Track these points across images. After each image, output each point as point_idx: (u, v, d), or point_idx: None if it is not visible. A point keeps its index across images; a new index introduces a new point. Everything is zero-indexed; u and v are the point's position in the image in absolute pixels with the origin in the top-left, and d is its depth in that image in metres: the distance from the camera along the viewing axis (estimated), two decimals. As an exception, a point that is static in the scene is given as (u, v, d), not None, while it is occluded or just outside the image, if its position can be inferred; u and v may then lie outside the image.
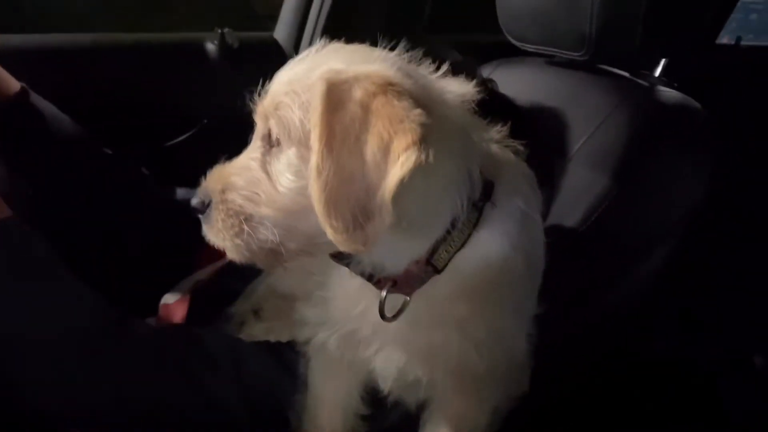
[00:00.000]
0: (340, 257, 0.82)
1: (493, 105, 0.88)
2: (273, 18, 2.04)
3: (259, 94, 0.81)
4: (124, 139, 1.64)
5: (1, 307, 0.95)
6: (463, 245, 0.80)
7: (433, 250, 0.79)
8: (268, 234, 0.75)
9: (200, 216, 0.81)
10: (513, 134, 0.91)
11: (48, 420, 1.02)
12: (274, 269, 0.82)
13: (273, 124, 0.76)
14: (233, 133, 1.71)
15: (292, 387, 1.11)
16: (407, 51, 0.81)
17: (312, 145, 0.69)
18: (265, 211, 0.76)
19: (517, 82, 1.52)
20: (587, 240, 1.19)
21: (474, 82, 0.82)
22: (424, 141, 0.66)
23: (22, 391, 0.98)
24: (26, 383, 0.98)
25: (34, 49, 1.59)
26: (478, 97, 0.81)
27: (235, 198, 0.78)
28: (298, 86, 0.75)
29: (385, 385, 0.97)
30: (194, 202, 0.81)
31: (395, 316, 0.83)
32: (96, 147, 1.41)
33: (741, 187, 1.91)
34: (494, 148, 0.87)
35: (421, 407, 1.02)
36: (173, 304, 1.32)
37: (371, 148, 0.68)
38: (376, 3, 1.96)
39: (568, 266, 0.96)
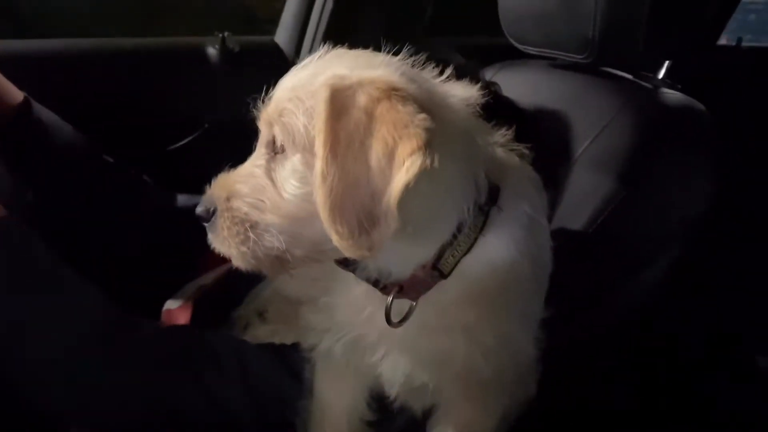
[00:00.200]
0: (345, 263, 0.81)
1: (496, 108, 0.87)
2: (274, 22, 2.03)
3: (263, 101, 0.80)
4: (126, 144, 1.64)
5: (3, 307, 0.94)
6: (469, 250, 0.79)
7: (439, 255, 0.79)
8: (273, 241, 0.75)
9: (205, 224, 0.81)
10: (517, 137, 0.90)
11: (50, 419, 1.02)
12: (280, 276, 0.81)
13: (277, 131, 0.76)
14: (235, 138, 1.72)
15: (296, 389, 1.11)
16: (410, 55, 0.81)
17: (316, 151, 0.69)
18: (270, 218, 0.76)
19: (520, 85, 1.51)
20: (593, 243, 1.18)
21: (478, 85, 0.82)
22: (429, 146, 0.65)
23: (24, 391, 0.98)
24: (29, 383, 0.98)
25: (34, 54, 1.59)
26: (483, 100, 0.80)
27: (240, 205, 0.77)
28: (302, 92, 0.75)
29: (392, 390, 0.96)
30: (199, 210, 0.81)
31: (401, 322, 0.82)
32: (98, 155, 1.41)
33: (741, 187, 1.91)
34: (499, 151, 0.87)
35: (428, 413, 1.02)
36: (176, 309, 1.32)
37: (376, 153, 0.67)
38: (376, 6, 1.96)
39: (575, 270, 0.95)
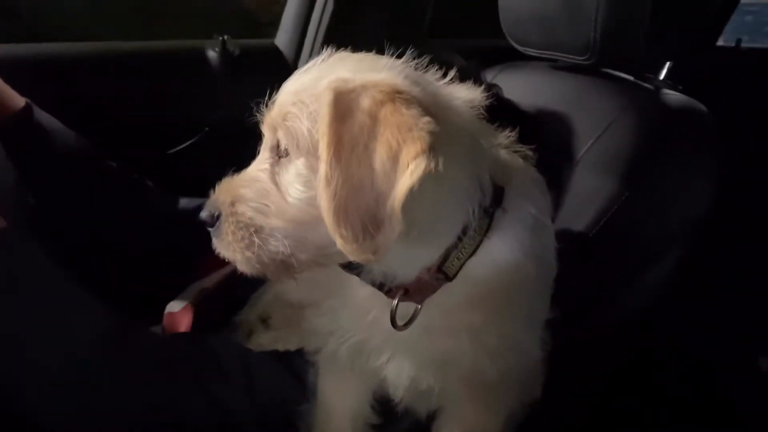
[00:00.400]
0: (350, 266, 0.81)
1: (498, 110, 0.87)
2: (274, 25, 2.03)
3: (266, 105, 0.80)
4: (127, 147, 1.63)
5: (6, 318, 0.94)
6: (474, 252, 0.79)
7: (445, 258, 0.78)
8: (278, 245, 0.75)
9: (210, 229, 0.81)
10: (519, 139, 0.90)
11: (53, 428, 1.01)
12: (285, 281, 0.80)
13: (281, 135, 0.76)
14: (235, 141, 1.72)
15: (301, 396, 1.11)
16: (411, 57, 0.81)
17: (320, 154, 0.69)
18: (275, 222, 0.76)
19: (521, 87, 1.52)
20: (597, 244, 1.18)
21: (482, 87, 0.82)
22: (433, 149, 0.65)
23: (23, 398, 0.97)
24: (28, 390, 0.97)
25: (34, 58, 1.59)
26: (486, 102, 0.80)
27: (245, 210, 0.77)
28: (306, 96, 0.75)
29: (397, 393, 0.96)
30: (203, 215, 0.81)
31: (407, 325, 0.82)
32: (99, 159, 1.41)
33: (741, 187, 1.91)
34: (503, 153, 0.87)
35: (432, 415, 1.02)
36: (178, 312, 1.32)
37: (380, 156, 0.67)
38: (377, 9, 1.95)
39: (578, 271, 0.95)
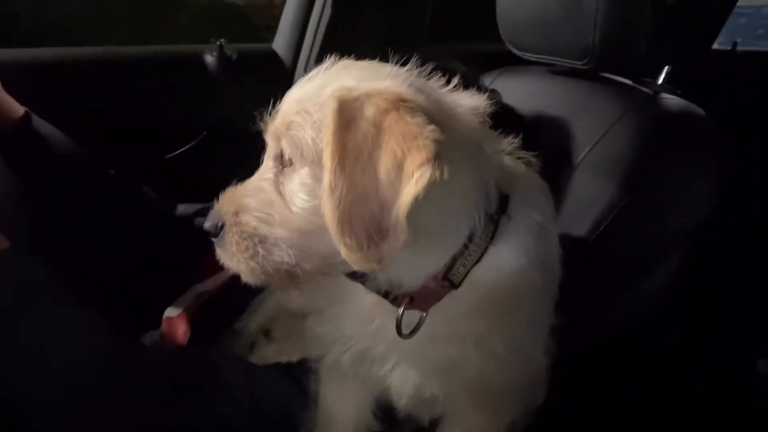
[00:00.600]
0: (355, 275, 0.81)
1: (500, 116, 0.87)
2: (272, 29, 2.03)
3: (269, 113, 0.80)
4: (124, 152, 1.63)
5: (10, 338, 0.93)
6: (479, 259, 0.79)
7: (450, 265, 0.78)
8: (283, 255, 0.75)
9: (214, 239, 0.80)
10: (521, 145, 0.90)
11: None
12: (290, 291, 0.80)
13: (285, 144, 0.76)
14: (234, 145, 1.72)
15: (304, 406, 1.11)
16: (408, 61, 0.80)
17: (324, 163, 0.69)
18: (279, 232, 0.75)
19: (519, 91, 1.52)
20: (598, 249, 1.18)
21: (486, 94, 0.82)
22: (438, 157, 0.65)
23: (29, 418, 0.96)
24: (33, 411, 0.96)
25: (32, 63, 1.58)
26: (490, 109, 0.80)
27: (249, 220, 0.77)
28: (310, 105, 0.74)
29: (400, 401, 0.96)
30: (207, 225, 0.81)
31: (412, 333, 0.82)
32: (98, 167, 1.41)
33: (740, 189, 1.92)
34: (507, 160, 0.87)
35: (435, 422, 1.02)
36: (176, 317, 1.31)
37: (385, 165, 0.67)
38: (375, 13, 1.95)
39: (579, 275, 0.95)
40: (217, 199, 0.82)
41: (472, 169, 0.75)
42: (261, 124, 0.81)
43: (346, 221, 0.68)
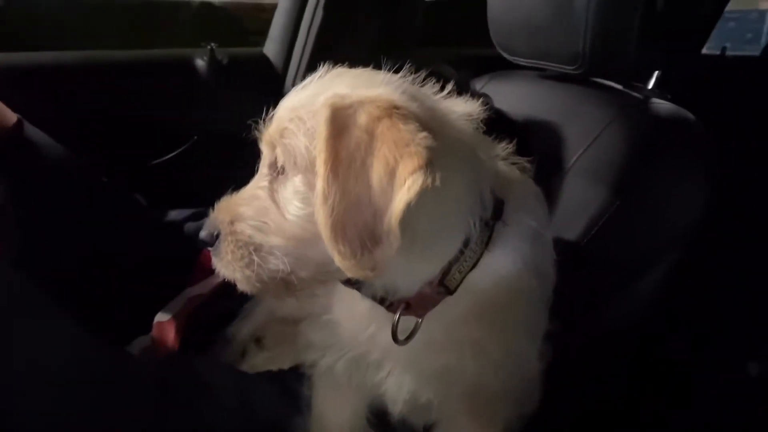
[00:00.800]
0: (351, 282, 0.80)
1: (494, 121, 0.87)
2: (263, 34, 2.03)
3: (264, 121, 0.80)
4: (114, 157, 1.62)
5: None
6: (475, 265, 0.79)
7: (446, 271, 0.78)
8: (278, 263, 0.75)
9: (210, 249, 0.80)
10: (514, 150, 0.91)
11: None
12: (286, 299, 0.80)
13: (279, 152, 0.76)
14: (225, 150, 1.71)
15: (295, 415, 1.10)
16: (401, 67, 0.81)
17: (317, 170, 0.68)
18: (274, 240, 0.75)
19: (509, 96, 1.52)
20: (590, 253, 1.19)
21: (480, 99, 0.82)
22: (430, 164, 0.65)
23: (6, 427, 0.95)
24: (19, 426, 0.95)
25: (21, 67, 1.57)
26: (484, 115, 0.81)
27: (244, 228, 0.77)
28: (303, 112, 0.74)
29: (395, 407, 0.95)
30: (203, 234, 0.80)
31: (407, 339, 0.82)
32: (89, 175, 1.40)
33: (735, 191, 1.93)
34: (502, 165, 0.87)
35: (429, 428, 1.01)
36: (167, 322, 1.31)
37: (377, 172, 0.67)
38: (366, 18, 1.95)
39: (572, 280, 0.96)
40: (213, 207, 0.81)
41: (467, 175, 0.75)
42: (256, 131, 0.80)
43: (339, 228, 0.67)
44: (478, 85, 1.68)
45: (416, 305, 0.81)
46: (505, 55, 1.53)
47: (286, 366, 1.16)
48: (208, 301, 1.36)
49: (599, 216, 1.20)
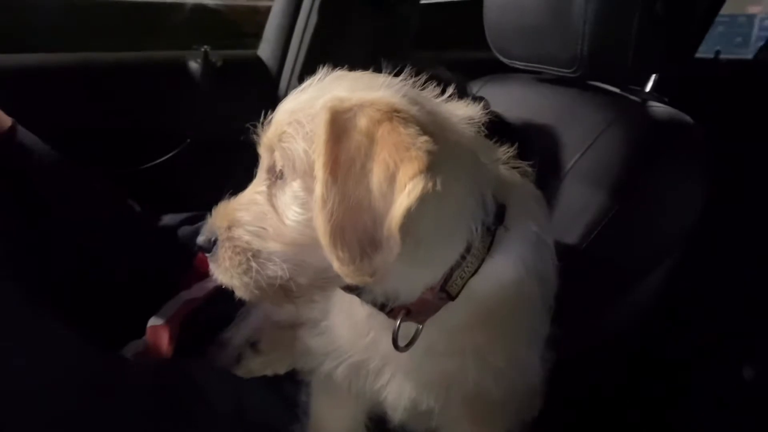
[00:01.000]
0: (351, 288, 0.79)
1: (493, 125, 0.87)
2: (257, 36, 2.01)
3: (262, 124, 0.78)
4: (107, 159, 1.61)
5: None
6: (476, 271, 0.78)
7: (448, 277, 0.77)
8: (277, 270, 0.73)
9: (207, 255, 0.79)
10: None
11: None
12: (285, 306, 0.79)
13: (277, 156, 0.75)
14: (218, 152, 1.70)
15: (291, 422, 1.09)
16: (399, 70, 0.80)
17: (316, 174, 0.67)
18: (273, 246, 0.74)
19: (506, 100, 1.51)
20: (588, 258, 1.18)
21: (482, 103, 0.81)
22: (431, 169, 0.64)
23: None
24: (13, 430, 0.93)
25: (12, 68, 1.55)
26: (486, 119, 0.80)
27: (242, 234, 0.75)
28: (302, 116, 0.73)
29: (395, 414, 0.94)
30: (200, 240, 0.79)
31: (408, 345, 0.81)
32: (83, 180, 1.39)
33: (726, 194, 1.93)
34: (503, 170, 0.86)
35: (429, 433, 1.01)
36: (160, 326, 1.29)
37: (377, 177, 0.66)
38: (361, 21, 1.94)
39: (571, 284, 0.95)
40: (209, 212, 0.80)
41: (469, 179, 0.75)
42: (254, 135, 0.79)
43: (338, 234, 0.66)
44: (474, 88, 1.67)
45: (417, 311, 0.80)
46: (501, 58, 1.53)
47: (282, 371, 1.14)
48: (203, 305, 1.35)
49: (598, 220, 1.19)
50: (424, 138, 0.66)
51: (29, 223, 1.25)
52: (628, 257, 1.24)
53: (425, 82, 0.80)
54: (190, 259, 1.45)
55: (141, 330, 1.29)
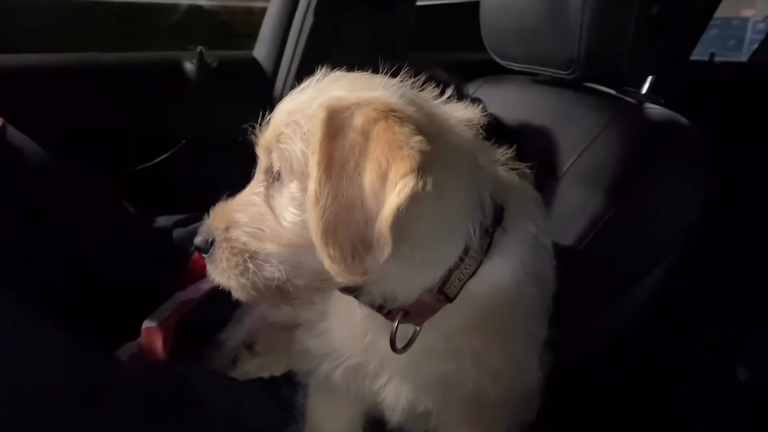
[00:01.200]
0: (349, 289, 0.79)
1: (490, 126, 0.86)
2: (252, 37, 2.01)
3: (260, 125, 0.78)
4: (102, 160, 1.60)
5: None
6: (475, 272, 0.78)
7: (446, 279, 0.77)
8: (274, 271, 0.73)
9: (204, 255, 0.78)
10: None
11: None
12: (282, 307, 0.78)
13: (275, 158, 0.74)
14: (213, 153, 1.69)
15: (288, 423, 1.08)
16: (396, 70, 0.79)
17: (310, 171, 0.67)
18: (270, 247, 0.73)
19: (502, 101, 1.51)
20: (586, 259, 1.18)
21: (480, 106, 0.81)
22: (423, 168, 0.64)
23: None
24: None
25: (6, 69, 1.55)
26: (484, 120, 0.79)
27: (239, 235, 0.75)
28: (300, 116, 0.73)
29: (393, 416, 0.94)
30: (197, 241, 0.79)
31: (406, 347, 0.81)
32: (74, 180, 1.38)
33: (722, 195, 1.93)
34: (501, 171, 0.86)
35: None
36: (155, 327, 1.29)
37: (370, 175, 0.66)
38: (357, 21, 1.94)
39: (568, 286, 0.95)
40: (206, 213, 0.80)
41: (467, 181, 0.74)
42: (252, 136, 0.79)
43: (330, 232, 0.66)
44: (471, 89, 1.67)
45: (415, 313, 0.79)
46: (497, 59, 1.52)
47: (278, 372, 1.14)
48: (199, 306, 1.34)
49: (595, 221, 1.19)
50: (418, 137, 0.66)
51: (22, 225, 1.24)
52: (626, 258, 1.24)
53: (423, 84, 0.80)
54: (185, 261, 1.44)
55: (136, 332, 1.29)
